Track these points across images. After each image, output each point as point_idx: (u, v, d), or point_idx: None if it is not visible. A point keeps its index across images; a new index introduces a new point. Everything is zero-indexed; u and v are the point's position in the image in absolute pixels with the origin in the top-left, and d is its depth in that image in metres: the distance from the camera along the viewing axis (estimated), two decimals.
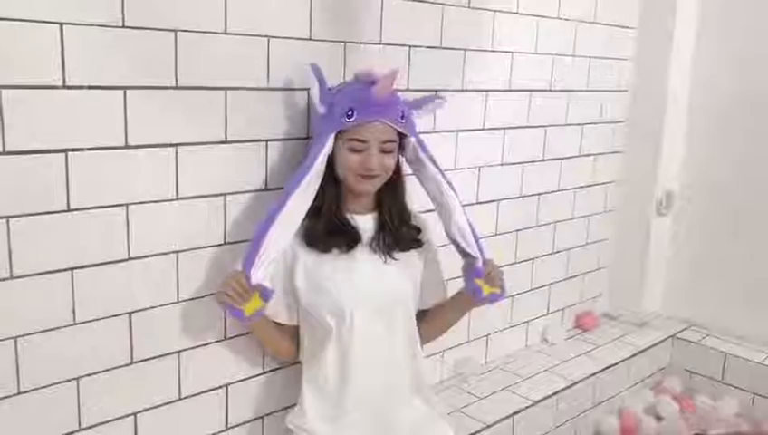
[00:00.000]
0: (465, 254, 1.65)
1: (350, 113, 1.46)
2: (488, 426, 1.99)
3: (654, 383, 2.71)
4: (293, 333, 1.63)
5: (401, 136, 1.54)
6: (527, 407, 2.11)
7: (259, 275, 1.43)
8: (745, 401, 2.55)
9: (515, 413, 2.08)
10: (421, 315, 1.71)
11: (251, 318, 1.44)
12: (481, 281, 1.61)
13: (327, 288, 1.53)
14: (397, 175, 1.60)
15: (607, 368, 2.44)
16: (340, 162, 1.51)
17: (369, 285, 1.56)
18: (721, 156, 2.69)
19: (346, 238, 1.55)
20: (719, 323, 2.76)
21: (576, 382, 2.31)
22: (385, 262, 1.58)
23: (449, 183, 1.62)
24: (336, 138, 1.49)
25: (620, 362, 2.51)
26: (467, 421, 2.00)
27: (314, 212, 1.53)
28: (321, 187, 1.51)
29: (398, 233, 1.61)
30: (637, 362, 2.58)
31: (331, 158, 1.51)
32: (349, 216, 1.58)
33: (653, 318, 2.85)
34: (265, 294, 1.44)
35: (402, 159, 1.61)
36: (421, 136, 1.59)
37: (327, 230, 1.54)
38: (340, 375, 1.55)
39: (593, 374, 2.39)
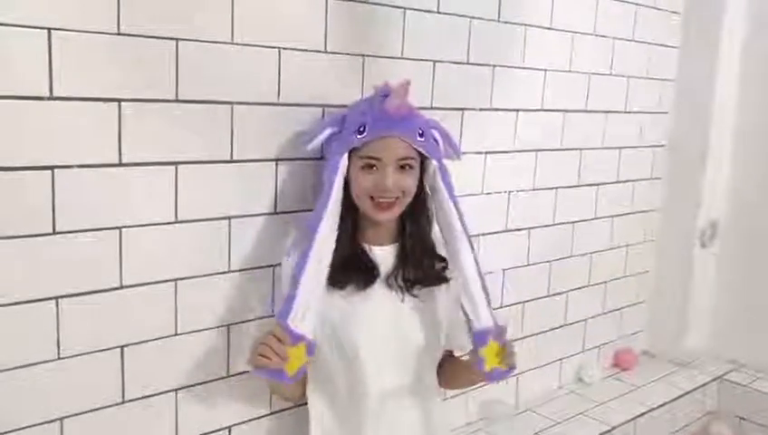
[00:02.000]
0: (469, 319, 1.38)
1: (361, 129, 1.30)
2: None
3: (700, 430, 2.50)
4: None
5: (423, 158, 1.38)
6: None
7: (301, 326, 1.26)
8: None
9: None
10: (446, 358, 1.54)
11: (295, 377, 1.26)
12: (484, 351, 1.35)
13: (335, 326, 1.37)
14: (418, 198, 1.41)
15: (648, 412, 2.25)
16: (354, 186, 1.35)
17: (381, 329, 1.38)
18: None
19: (363, 275, 1.38)
20: None
21: (614, 428, 2.12)
22: (402, 300, 1.40)
23: (465, 228, 1.39)
24: (350, 159, 1.34)
25: (663, 404, 2.31)
26: None
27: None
28: None
29: (421, 267, 1.42)
30: (680, 406, 2.38)
31: (347, 181, 1.35)
32: (367, 247, 1.41)
33: (697, 358, 2.63)
34: (311, 349, 1.27)
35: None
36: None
37: (342, 264, 1.35)
38: (349, 425, 1.40)
39: (633, 419, 2.19)
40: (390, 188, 1.31)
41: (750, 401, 2.46)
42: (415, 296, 1.41)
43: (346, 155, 1.33)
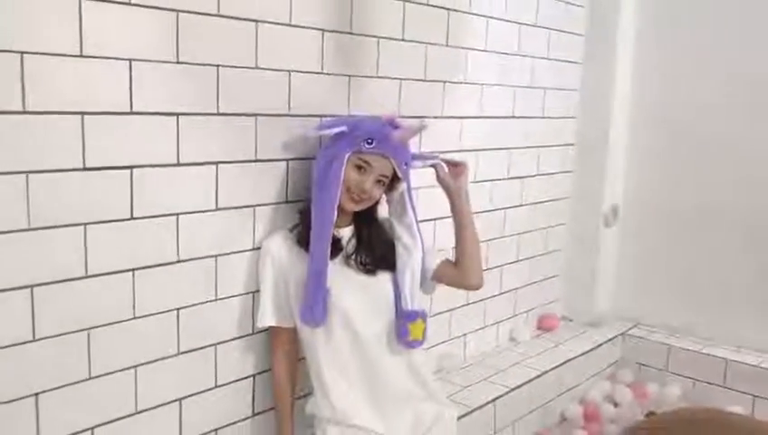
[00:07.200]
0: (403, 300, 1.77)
1: (369, 140, 1.67)
2: (474, 409, 2.27)
3: (609, 375, 3.04)
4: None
5: (394, 179, 1.76)
6: (506, 393, 2.40)
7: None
8: (687, 386, 2.90)
9: (496, 399, 2.36)
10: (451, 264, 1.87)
11: None
12: (412, 326, 1.76)
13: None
14: (375, 203, 1.80)
15: (568, 361, 2.75)
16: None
17: (350, 291, 1.75)
18: (658, 171, 3.09)
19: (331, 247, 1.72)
20: (663, 321, 3.13)
21: (544, 372, 2.61)
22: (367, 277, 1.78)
23: (420, 233, 1.78)
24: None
25: (580, 355, 2.82)
26: (456, 406, 2.26)
27: (305, 219, 1.74)
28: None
29: (374, 252, 1.79)
30: (594, 356, 2.90)
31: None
32: (335, 229, 1.72)
33: (604, 319, 3.18)
34: None
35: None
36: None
37: None
38: (339, 381, 1.77)
39: (557, 366, 2.69)
40: (368, 191, 1.71)
41: (647, 351, 3.03)
42: (375, 276, 1.79)
43: (350, 153, 1.70)
